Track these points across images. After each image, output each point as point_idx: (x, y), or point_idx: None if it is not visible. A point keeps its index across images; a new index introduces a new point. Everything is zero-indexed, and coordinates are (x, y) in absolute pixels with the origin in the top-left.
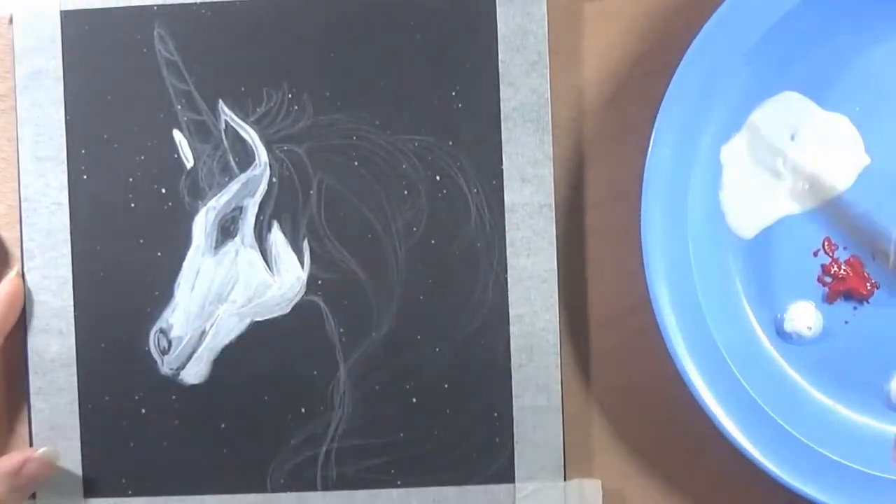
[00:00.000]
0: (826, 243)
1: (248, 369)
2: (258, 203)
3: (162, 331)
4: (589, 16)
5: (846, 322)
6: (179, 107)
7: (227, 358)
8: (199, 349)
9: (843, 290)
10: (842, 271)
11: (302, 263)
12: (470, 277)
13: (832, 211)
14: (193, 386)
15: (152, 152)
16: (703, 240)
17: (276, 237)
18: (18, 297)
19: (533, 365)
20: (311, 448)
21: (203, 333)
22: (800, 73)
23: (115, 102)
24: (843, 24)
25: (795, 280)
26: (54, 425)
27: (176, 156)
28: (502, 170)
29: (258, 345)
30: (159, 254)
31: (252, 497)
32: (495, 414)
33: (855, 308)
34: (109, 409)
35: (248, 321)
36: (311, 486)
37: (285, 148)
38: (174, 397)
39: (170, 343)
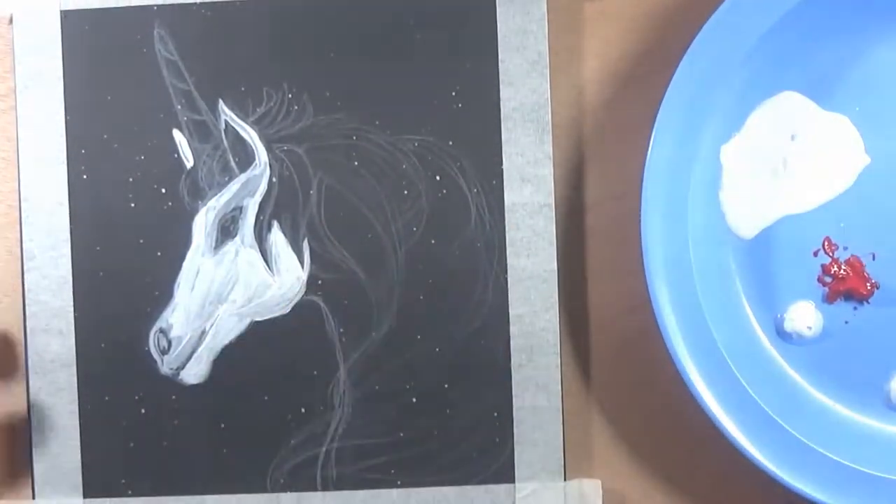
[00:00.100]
0: (826, 243)
1: (248, 369)
2: (258, 203)
3: (162, 331)
4: (589, 16)
5: (846, 322)
6: (179, 107)
7: (227, 358)
8: (199, 349)
9: (843, 290)
10: (842, 271)
11: (302, 263)
12: (470, 277)
13: (832, 211)
14: (193, 386)
15: (152, 152)
16: (703, 240)
17: (276, 237)
18: None
19: (533, 365)
20: (310, 448)
21: (203, 333)
22: (800, 73)
23: (115, 102)
24: (844, 24)
25: (795, 280)
26: (54, 425)
27: (176, 156)
28: (502, 170)
29: (258, 345)
30: (159, 254)
31: (252, 497)
32: (495, 414)
33: (855, 308)
34: (109, 409)
35: (248, 321)
36: (310, 486)
37: (285, 148)
38: (174, 397)
39: (170, 343)
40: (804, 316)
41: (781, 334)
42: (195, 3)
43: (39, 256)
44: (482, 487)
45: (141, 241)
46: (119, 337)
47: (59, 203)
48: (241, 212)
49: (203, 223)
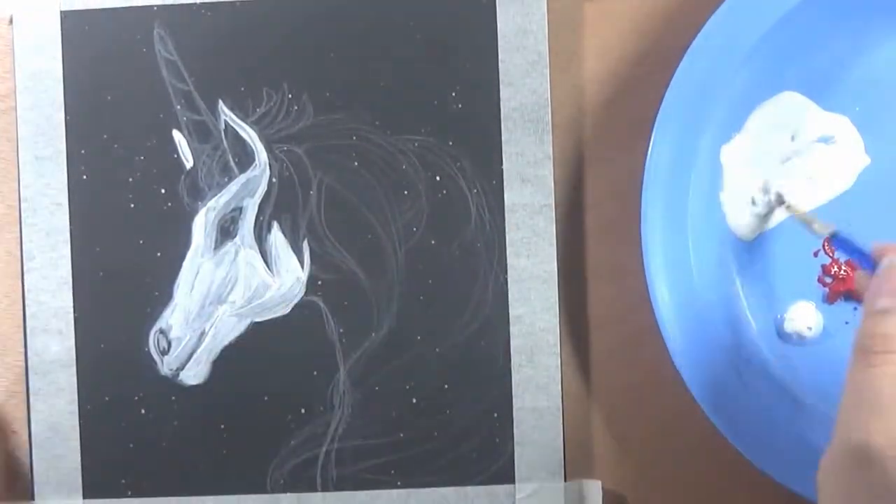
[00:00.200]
0: (826, 244)
1: (247, 370)
2: (258, 203)
3: (161, 331)
4: (589, 16)
5: (846, 322)
6: (179, 107)
7: (227, 358)
8: (199, 350)
9: (843, 290)
10: (842, 272)
11: (302, 264)
12: (470, 277)
13: (832, 211)
14: (193, 386)
15: (152, 152)
16: (703, 240)
17: (276, 237)
18: None
19: (533, 365)
20: (310, 448)
21: (203, 334)
22: (800, 73)
23: (115, 102)
24: (844, 25)
25: (795, 280)
26: (54, 425)
27: (176, 156)
28: (502, 170)
29: (258, 345)
30: (159, 254)
31: (252, 497)
32: (495, 414)
33: (855, 308)
34: (109, 410)
35: (247, 322)
36: (310, 487)
37: (285, 148)
38: (174, 398)
39: (169, 343)
40: (804, 316)
41: (781, 335)
42: (195, 4)
43: (39, 257)
44: (482, 488)
45: (141, 241)
46: (119, 337)
47: (59, 203)
48: (240, 212)
49: (203, 223)
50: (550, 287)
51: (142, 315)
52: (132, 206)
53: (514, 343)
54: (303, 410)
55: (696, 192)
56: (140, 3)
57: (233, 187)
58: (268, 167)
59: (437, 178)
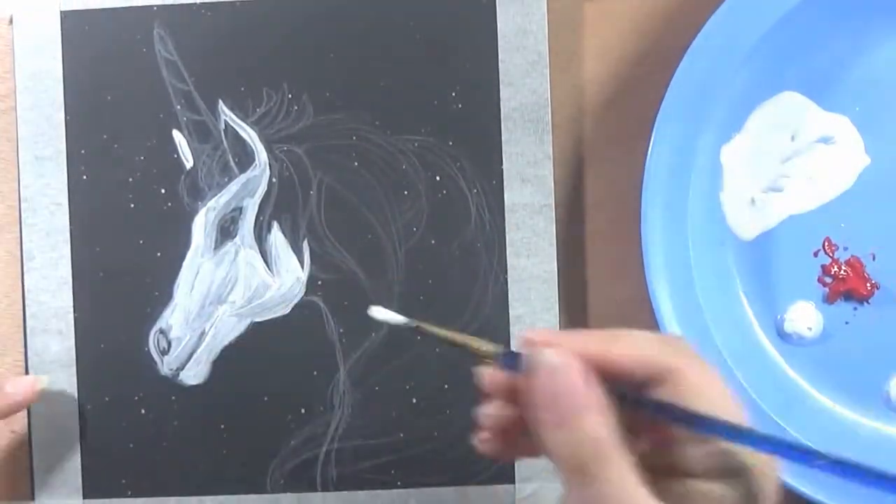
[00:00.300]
0: (826, 243)
1: (247, 370)
2: (258, 203)
3: (161, 331)
4: (589, 16)
5: (846, 322)
6: (179, 107)
7: (227, 358)
8: (199, 350)
9: (843, 290)
10: (842, 272)
11: (302, 264)
12: (470, 277)
13: (832, 211)
14: (193, 386)
15: (152, 152)
16: (703, 240)
17: (276, 237)
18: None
19: None
20: (311, 448)
21: (203, 334)
22: (800, 73)
23: (115, 102)
24: (843, 25)
25: (796, 280)
26: (54, 425)
27: (176, 156)
28: (502, 170)
29: (258, 345)
30: (159, 254)
31: (252, 497)
32: None
33: (855, 309)
34: (109, 410)
35: (247, 322)
36: (311, 487)
37: (285, 148)
38: (174, 398)
39: (169, 343)
40: (804, 316)
41: (782, 335)
42: (195, 4)
43: (39, 257)
44: (482, 488)
45: (141, 241)
46: (119, 337)
47: (59, 203)
48: (240, 212)
49: (203, 223)
50: (550, 287)
51: (142, 315)
52: (132, 206)
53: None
54: (303, 410)
55: (696, 192)
56: (140, 3)
57: (233, 187)
58: (268, 167)
59: (437, 178)
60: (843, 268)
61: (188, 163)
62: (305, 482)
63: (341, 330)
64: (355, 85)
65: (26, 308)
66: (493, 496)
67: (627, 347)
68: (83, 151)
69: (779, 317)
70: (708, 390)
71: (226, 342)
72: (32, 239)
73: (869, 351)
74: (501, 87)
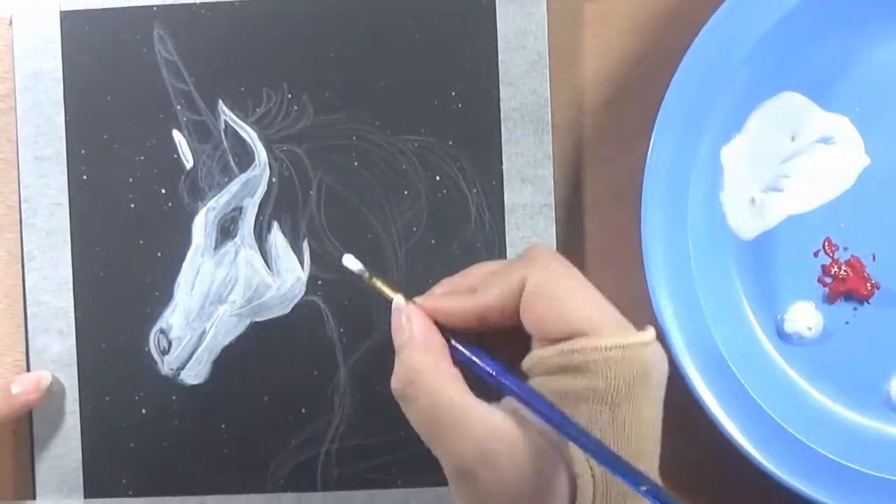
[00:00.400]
0: (826, 243)
1: (248, 370)
2: (258, 203)
3: (162, 331)
4: (589, 16)
5: (846, 323)
6: (179, 107)
7: (228, 358)
8: (199, 350)
9: (843, 290)
10: (842, 272)
11: (302, 264)
12: None
13: (832, 211)
14: (194, 386)
15: (152, 152)
16: (703, 240)
17: (276, 237)
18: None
19: None
20: (311, 448)
21: (203, 334)
22: (800, 74)
23: (115, 102)
24: (843, 25)
25: (796, 280)
26: (55, 425)
27: (176, 156)
28: (502, 170)
29: (258, 345)
30: (159, 254)
31: (252, 497)
32: None
33: (855, 309)
34: (109, 410)
35: (248, 322)
36: (311, 487)
37: (285, 148)
38: (174, 398)
39: (170, 343)
40: (804, 316)
41: (782, 335)
42: (195, 4)
43: (39, 257)
44: None
45: (141, 241)
46: (119, 337)
47: (59, 203)
48: (240, 212)
49: (203, 223)
50: None
51: (142, 315)
52: (132, 206)
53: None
54: (303, 410)
55: (696, 192)
56: (140, 3)
57: (233, 187)
58: (268, 167)
59: (437, 178)
60: (843, 268)
61: (188, 163)
62: (306, 482)
63: (341, 330)
64: (355, 85)
65: (27, 308)
66: None
67: (483, 296)
68: (83, 151)
69: (779, 317)
70: (543, 297)
71: (226, 342)
72: (33, 239)
73: (869, 351)
74: (501, 87)
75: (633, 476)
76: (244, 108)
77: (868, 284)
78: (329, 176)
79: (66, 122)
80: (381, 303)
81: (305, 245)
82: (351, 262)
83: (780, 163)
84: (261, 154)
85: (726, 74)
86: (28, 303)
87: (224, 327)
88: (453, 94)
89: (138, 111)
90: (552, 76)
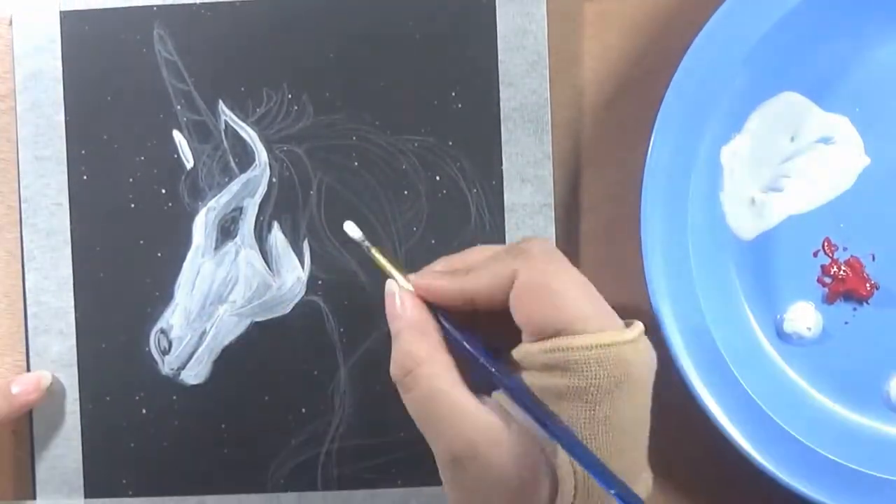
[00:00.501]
0: (826, 244)
1: (248, 370)
2: (258, 203)
3: (162, 331)
4: (589, 16)
5: (846, 323)
6: (179, 107)
7: (228, 358)
8: (200, 350)
9: (842, 290)
10: (842, 272)
11: (302, 264)
12: None
13: (832, 211)
14: (194, 386)
15: (152, 153)
16: (703, 240)
17: (277, 237)
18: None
19: None
20: (311, 448)
21: (203, 334)
22: (800, 74)
23: (115, 103)
24: (844, 25)
25: (795, 281)
26: (56, 425)
27: (176, 156)
28: (502, 170)
29: (258, 345)
30: (159, 254)
31: (253, 497)
32: None
33: (855, 309)
34: (110, 410)
35: (248, 322)
36: (311, 486)
37: (285, 148)
38: (175, 398)
39: (170, 343)
40: (804, 317)
41: (781, 335)
42: (195, 4)
43: (40, 257)
44: None
45: (141, 241)
46: (120, 337)
47: (59, 203)
48: (241, 212)
49: (203, 223)
50: None
51: (142, 315)
52: (132, 206)
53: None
54: (303, 410)
55: (696, 192)
56: (140, 3)
57: (233, 187)
58: (268, 167)
59: (437, 178)
60: (843, 268)
61: (188, 163)
62: (306, 481)
63: (342, 329)
64: (355, 85)
65: (27, 308)
66: None
67: (473, 280)
68: (83, 151)
69: (778, 317)
70: (531, 294)
71: (226, 342)
72: (33, 239)
73: (868, 351)
74: (501, 87)
75: (605, 476)
76: (244, 108)
77: (867, 285)
78: (329, 176)
79: (66, 122)
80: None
81: (305, 245)
82: (352, 229)
83: (780, 163)
84: (261, 154)
85: (726, 74)
86: (28, 303)
87: (224, 327)
88: (453, 94)
89: (138, 111)
90: (552, 76)
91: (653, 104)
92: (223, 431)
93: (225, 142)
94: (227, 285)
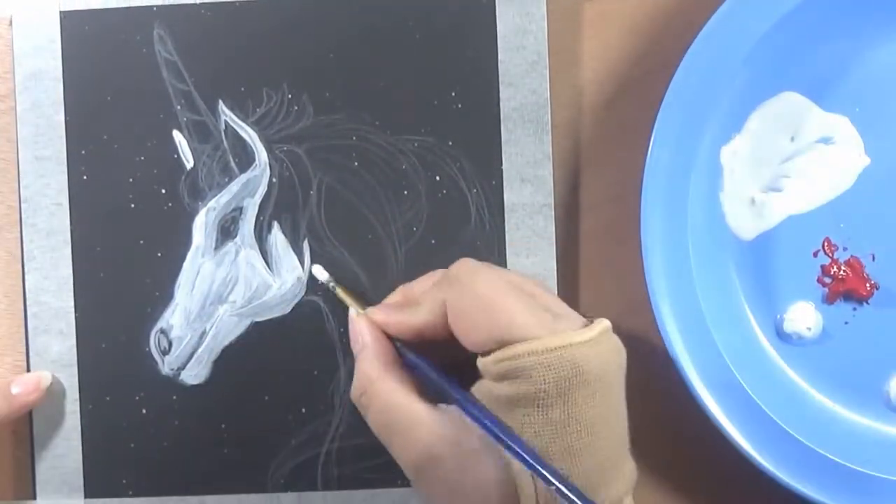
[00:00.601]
0: (826, 244)
1: (248, 370)
2: (258, 203)
3: (162, 331)
4: (588, 16)
5: (846, 323)
6: (179, 107)
7: (228, 358)
8: (200, 350)
9: (842, 290)
10: (841, 272)
11: (302, 264)
12: None
13: (832, 211)
14: (194, 386)
15: (152, 153)
16: (703, 240)
17: (277, 237)
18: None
19: None
20: (311, 448)
21: (203, 334)
22: (800, 74)
23: (115, 103)
24: (843, 25)
25: (795, 281)
26: (56, 425)
27: (176, 156)
28: (502, 170)
29: (258, 345)
30: (159, 254)
31: (253, 497)
32: None
33: (854, 309)
34: (110, 410)
35: (248, 322)
36: (311, 486)
37: (285, 148)
38: (175, 398)
39: (170, 343)
40: (804, 317)
41: (781, 335)
42: (195, 4)
43: (40, 257)
44: None
45: (141, 241)
46: (120, 337)
47: (60, 203)
48: (241, 212)
49: (203, 223)
50: (550, 287)
51: (142, 315)
52: (132, 206)
53: None
54: (303, 410)
55: (695, 192)
56: (140, 3)
57: (233, 187)
58: (268, 167)
59: (437, 178)
60: (843, 268)
61: (188, 163)
62: (306, 481)
63: (342, 329)
64: (355, 85)
65: (27, 308)
66: None
67: (414, 317)
68: (83, 151)
69: (778, 317)
70: (462, 319)
71: (226, 342)
72: (33, 239)
73: (868, 351)
74: (501, 87)
75: (546, 475)
76: (244, 109)
77: (867, 285)
78: (329, 176)
79: (66, 122)
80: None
81: (306, 245)
82: (319, 272)
83: (779, 163)
84: (261, 154)
85: (726, 74)
86: (28, 303)
87: (224, 327)
88: (453, 94)
89: (138, 111)
90: (552, 76)
91: (653, 104)
92: (223, 431)
93: (225, 142)
94: (227, 285)
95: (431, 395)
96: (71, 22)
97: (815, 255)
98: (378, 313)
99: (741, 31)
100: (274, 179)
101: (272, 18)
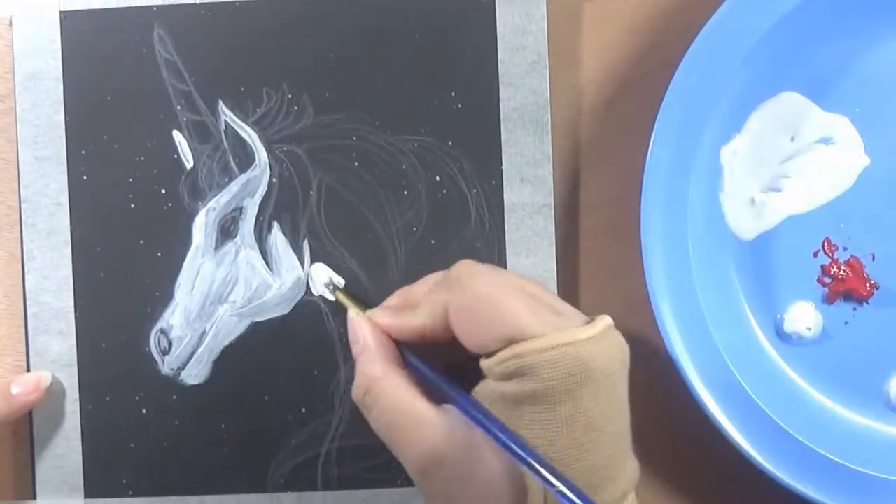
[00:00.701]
0: (826, 244)
1: (248, 370)
2: (258, 203)
3: (162, 331)
4: (588, 16)
5: (846, 323)
6: (179, 107)
7: (228, 358)
8: (200, 350)
9: (842, 290)
10: (841, 272)
11: (302, 264)
12: None
13: (832, 211)
14: (194, 386)
15: (152, 153)
16: (703, 241)
17: (277, 237)
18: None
19: None
20: (311, 448)
21: (203, 334)
22: (800, 74)
23: (114, 103)
24: (843, 25)
25: (795, 281)
26: (56, 425)
27: (176, 156)
28: (502, 170)
29: (258, 345)
30: (159, 254)
31: (253, 497)
32: None
33: (854, 309)
34: (110, 410)
35: (248, 322)
36: (311, 486)
37: (285, 148)
38: (175, 398)
39: (170, 343)
40: (804, 317)
41: (781, 335)
42: (195, 4)
43: (40, 257)
44: None
45: (141, 241)
46: (120, 338)
47: (60, 203)
48: (241, 212)
49: (203, 224)
50: (549, 286)
51: (143, 315)
52: (132, 206)
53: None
54: (303, 410)
55: (695, 192)
56: (140, 4)
57: (233, 187)
58: (268, 167)
59: (437, 178)
60: (843, 268)
61: (188, 163)
62: (306, 481)
63: (341, 329)
64: (355, 85)
65: (27, 308)
66: None
67: (414, 319)
68: (83, 151)
69: (778, 317)
70: (465, 321)
71: (226, 342)
72: (33, 239)
73: (868, 351)
74: (501, 87)
75: (548, 476)
76: (244, 109)
77: (867, 285)
78: (329, 176)
79: (66, 122)
80: (381, 302)
81: (306, 245)
82: (319, 273)
83: (779, 163)
84: (261, 154)
85: (726, 74)
86: (28, 303)
87: (224, 327)
88: (453, 94)
89: (138, 111)
90: (552, 76)
91: (653, 104)
92: (223, 431)
93: (225, 142)
94: (227, 285)
95: (433, 396)
96: (71, 22)
97: (815, 255)
98: (377, 317)
99: (741, 31)
100: (274, 179)
101: (272, 18)
